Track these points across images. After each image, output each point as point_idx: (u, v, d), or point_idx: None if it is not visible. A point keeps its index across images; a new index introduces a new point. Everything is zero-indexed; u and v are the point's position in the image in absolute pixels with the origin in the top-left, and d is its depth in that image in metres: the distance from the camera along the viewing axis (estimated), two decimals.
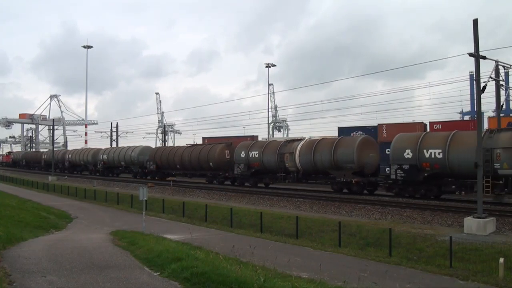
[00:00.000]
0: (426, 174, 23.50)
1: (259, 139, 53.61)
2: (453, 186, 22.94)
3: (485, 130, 22.14)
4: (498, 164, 20.84)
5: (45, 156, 73.49)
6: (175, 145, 61.92)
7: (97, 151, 59.18)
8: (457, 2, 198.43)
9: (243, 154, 34.77)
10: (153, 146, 65.46)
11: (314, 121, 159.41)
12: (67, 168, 64.57)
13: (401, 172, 24.39)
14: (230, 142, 39.73)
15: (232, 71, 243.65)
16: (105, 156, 54.98)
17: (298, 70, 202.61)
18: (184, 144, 52.57)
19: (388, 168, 25.78)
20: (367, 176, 27.86)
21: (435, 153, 22.95)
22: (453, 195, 23.73)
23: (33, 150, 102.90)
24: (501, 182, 21.06)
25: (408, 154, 24.08)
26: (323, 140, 30.55)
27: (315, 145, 29.56)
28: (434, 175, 23.52)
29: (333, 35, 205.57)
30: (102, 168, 55.89)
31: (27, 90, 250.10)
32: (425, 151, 23.34)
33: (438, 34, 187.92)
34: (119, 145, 70.64)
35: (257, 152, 33.65)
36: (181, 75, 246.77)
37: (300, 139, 33.26)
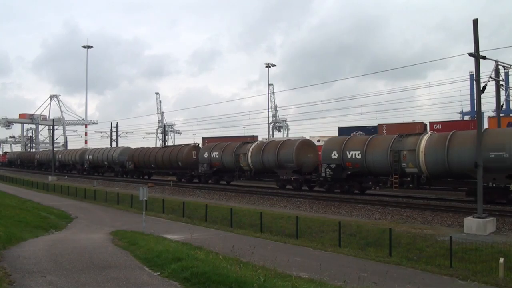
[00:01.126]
0: (349, 172, 27.13)
1: (259, 139, 53.76)
2: (370, 183, 26.72)
3: (396, 135, 25.64)
4: (405, 164, 23.92)
5: (38, 156, 78.67)
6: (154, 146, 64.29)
7: (84, 151, 63.61)
8: (460, 1, 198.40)
9: (206, 155, 38.70)
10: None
11: (316, 121, 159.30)
12: (57, 167, 67.18)
13: (330, 170, 27.84)
14: (197, 144, 45.23)
15: (234, 71, 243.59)
16: (90, 156, 59.16)
17: (300, 69, 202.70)
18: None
19: None
20: (305, 174, 31.33)
21: (355, 154, 26.48)
22: (453, 195, 24.86)
23: (28, 150, 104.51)
24: (408, 179, 23.98)
25: (334, 155, 27.48)
26: (270, 142, 35.29)
27: (263, 147, 33.75)
28: (355, 173, 27.02)
29: (336, 34, 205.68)
30: (88, 167, 59.93)
31: (28, 90, 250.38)
32: (347, 152, 26.89)
33: (441, 34, 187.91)
34: (119, 145, 70.95)
35: (217, 153, 37.59)
36: (183, 75, 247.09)
37: (253, 142, 37.54)
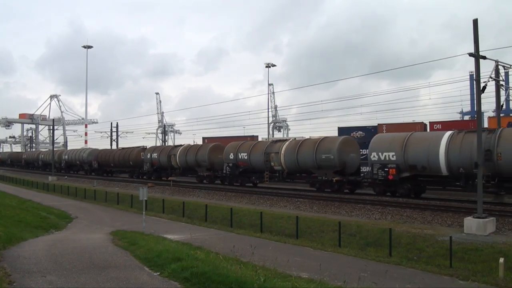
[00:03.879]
0: (241, 170, 35.10)
1: (259, 139, 53.91)
2: (253, 177, 34.79)
3: (270, 140, 32.13)
4: (273, 163, 31.68)
5: (25, 156, 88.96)
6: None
7: (62, 152, 71.68)
8: (469, 0, 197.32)
9: (149, 155, 46.43)
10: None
11: (318, 121, 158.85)
12: (40, 166, 75.66)
13: (229, 168, 35.54)
14: (145, 147, 51.99)
15: (239, 70, 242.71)
16: (66, 157, 66.77)
17: (305, 69, 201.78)
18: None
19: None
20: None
21: (244, 156, 34.08)
22: (454, 195, 25.30)
23: (28, 150, 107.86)
24: (276, 174, 31.99)
25: (231, 156, 35.17)
26: (203, 145, 41.64)
27: (188, 149, 41.25)
28: (245, 170, 34.84)
29: (342, 34, 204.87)
30: (64, 166, 66.87)
31: (31, 89, 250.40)
32: (239, 154, 34.47)
33: (448, 33, 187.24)
34: (119, 145, 71.21)
35: (156, 154, 45.32)
36: (188, 75, 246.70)
37: (180, 146, 44.79)
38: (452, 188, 24.67)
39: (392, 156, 24.49)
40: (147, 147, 51.30)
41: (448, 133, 23.19)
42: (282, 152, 31.25)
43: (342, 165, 28.25)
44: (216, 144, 40.26)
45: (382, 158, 24.93)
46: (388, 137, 26.56)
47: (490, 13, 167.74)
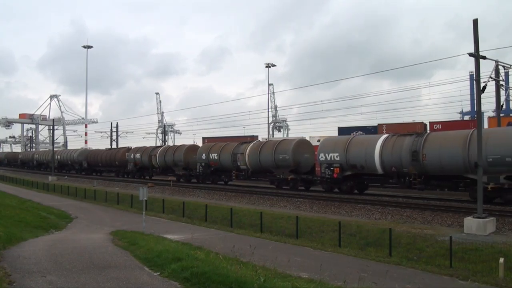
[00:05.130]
0: (212, 169, 38.37)
1: (259, 139, 53.92)
2: (223, 176, 38.55)
3: (238, 143, 35.68)
4: (240, 163, 34.68)
5: (20, 156, 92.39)
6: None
7: (54, 152, 72.75)
8: (473, 0, 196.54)
9: (132, 156, 49.91)
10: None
11: (319, 120, 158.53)
12: (35, 166, 79.45)
13: (201, 168, 38.90)
14: (129, 148, 55.21)
15: (242, 70, 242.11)
16: (58, 157, 69.46)
17: (308, 69, 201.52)
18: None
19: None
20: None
21: (214, 156, 37.47)
22: (453, 195, 25.45)
23: (28, 150, 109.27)
24: (242, 173, 35.13)
25: (203, 157, 38.46)
26: (179, 146, 44.81)
27: (166, 150, 45.77)
28: (216, 169, 38.19)
29: (345, 33, 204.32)
30: (57, 166, 68.13)
31: (33, 89, 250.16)
32: (210, 155, 37.88)
33: (451, 32, 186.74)
34: (119, 145, 71.24)
35: (139, 154, 48.81)
36: (190, 74, 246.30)
37: (161, 146, 49.26)
38: (389, 185, 28.28)
39: (337, 156, 27.24)
40: (131, 148, 54.13)
41: (383, 136, 26.01)
42: (247, 153, 34.49)
43: (296, 165, 31.24)
44: (191, 145, 44.34)
45: (329, 158, 27.67)
46: (333, 140, 29.91)
47: (494, 12, 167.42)
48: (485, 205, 19.23)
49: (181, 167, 42.25)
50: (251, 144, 35.15)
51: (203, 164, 38.48)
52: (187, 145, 44.63)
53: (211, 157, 37.62)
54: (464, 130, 24.97)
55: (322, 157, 28.07)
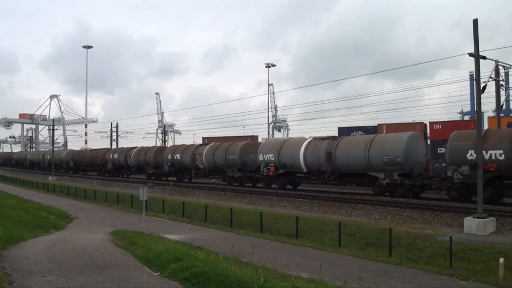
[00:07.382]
0: (176, 168, 41.96)
1: (259, 139, 54.11)
2: (184, 174, 41.95)
3: (197, 144, 42.43)
4: (198, 162, 38.97)
5: (15, 156, 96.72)
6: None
7: (45, 153, 78.29)
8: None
9: (111, 156, 54.12)
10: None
11: (320, 120, 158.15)
12: (28, 165, 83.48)
13: (167, 167, 42.63)
14: (109, 149, 59.49)
15: (246, 69, 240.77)
16: (48, 157, 72.34)
17: (312, 68, 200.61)
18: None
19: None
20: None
21: (177, 156, 41.21)
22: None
23: (7, 151, 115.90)
24: (201, 171, 39.36)
25: (169, 157, 42.42)
26: (150, 148, 49.10)
27: (140, 150, 48.83)
28: (179, 168, 41.91)
29: (351, 33, 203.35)
30: (47, 165, 71.49)
31: (36, 89, 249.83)
32: (175, 155, 41.69)
33: (456, 32, 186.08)
34: (119, 145, 71.20)
35: (117, 155, 52.94)
36: (194, 74, 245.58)
37: (135, 148, 51.68)
38: (314, 182, 31.09)
39: (272, 157, 31.38)
40: (111, 149, 58.82)
41: (308, 140, 30.15)
42: (204, 154, 38.59)
43: (243, 164, 35.19)
44: (159, 147, 49.32)
45: (266, 158, 31.84)
46: (270, 142, 35.29)
47: (501, 12, 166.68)
48: (379, 196, 25.03)
49: (151, 166, 46.68)
50: (207, 146, 39.41)
51: (168, 163, 42.76)
52: (156, 146, 50.18)
53: (175, 158, 41.75)
54: (367, 135, 29.84)
55: (261, 157, 32.22)
